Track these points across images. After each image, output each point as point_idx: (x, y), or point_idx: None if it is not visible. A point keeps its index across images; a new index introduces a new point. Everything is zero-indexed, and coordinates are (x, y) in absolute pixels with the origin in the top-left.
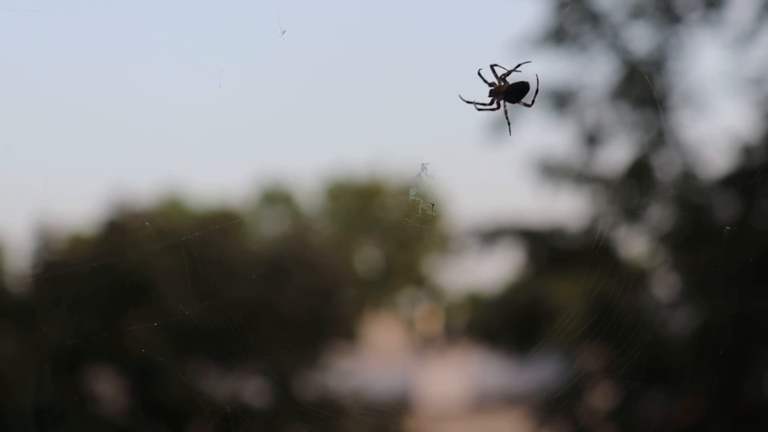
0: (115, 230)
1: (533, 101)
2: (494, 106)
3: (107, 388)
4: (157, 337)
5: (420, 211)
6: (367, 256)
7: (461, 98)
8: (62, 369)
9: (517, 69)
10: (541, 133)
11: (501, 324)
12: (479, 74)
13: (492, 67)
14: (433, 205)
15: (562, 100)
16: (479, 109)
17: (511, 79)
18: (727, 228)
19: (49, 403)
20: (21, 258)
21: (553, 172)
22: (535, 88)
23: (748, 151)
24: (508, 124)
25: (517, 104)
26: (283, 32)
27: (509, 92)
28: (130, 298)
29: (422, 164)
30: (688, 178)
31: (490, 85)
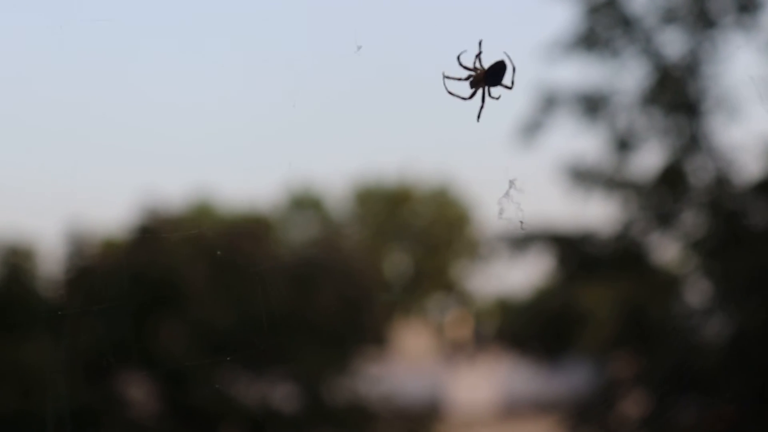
0: (147, 235)
1: (513, 82)
2: (476, 94)
3: (138, 392)
4: (187, 341)
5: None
6: (397, 262)
7: (445, 87)
8: (94, 374)
9: (480, 52)
10: (572, 138)
11: (531, 330)
12: (459, 63)
13: (458, 58)
14: (522, 222)
15: (594, 105)
16: (465, 99)
17: (485, 64)
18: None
19: (80, 408)
20: (53, 263)
21: (584, 177)
22: (512, 67)
23: None
24: (480, 108)
25: (499, 87)
26: (359, 47)
27: (489, 75)
28: (161, 303)
29: (510, 181)
30: (721, 184)
31: (470, 73)
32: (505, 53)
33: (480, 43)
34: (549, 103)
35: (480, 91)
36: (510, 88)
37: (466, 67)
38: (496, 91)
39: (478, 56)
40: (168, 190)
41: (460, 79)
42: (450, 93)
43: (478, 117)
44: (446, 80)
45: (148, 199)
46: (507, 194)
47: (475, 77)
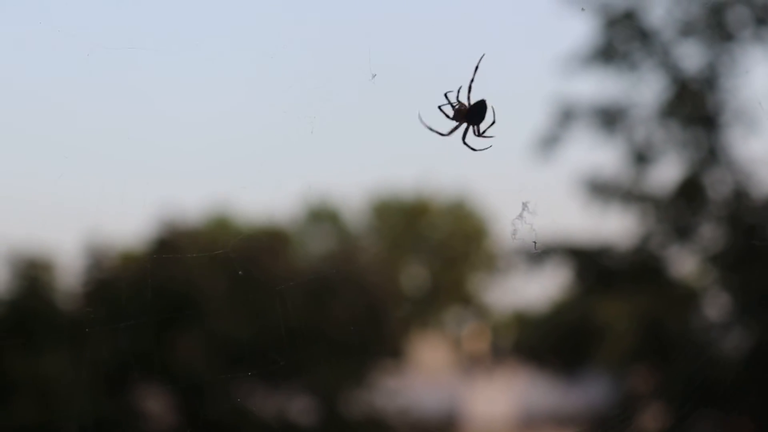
0: (165, 248)
1: (494, 120)
2: (456, 128)
3: (155, 405)
4: (204, 354)
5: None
6: (414, 275)
7: (422, 122)
8: (112, 386)
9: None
10: (589, 151)
11: (548, 343)
12: (446, 97)
13: (445, 95)
14: (536, 243)
15: (611, 119)
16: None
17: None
18: None
19: (99, 421)
20: (72, 275)
21: (601, 190)
22: (491, 108)
23: None
24: (465, 143)
25: (482, 125)
26: (374, 76)
27: (471, 114)
28: (178, 315)
29: (523, 203)
30: (740, 197)
31: (454, 107)
32: (486, 101)
33: (475, 70)
34: (566, 116)
35: (461, 127)
36: (493, 123)
37: (450, 102)
38: (485, 125)
39: (469, 86)
40: (186, 203)
41: (447, 116)
42: (429, 128)
43: (465, 141)
44: (424, 120)
45: (165, 212)
46: (520, 216)
47: (456, 112)
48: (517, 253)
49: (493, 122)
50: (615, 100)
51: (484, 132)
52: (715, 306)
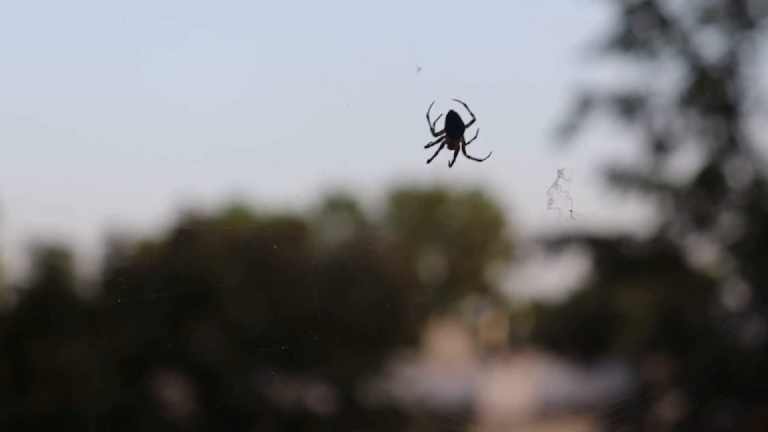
0: (183, 237)
1: (473, 118)
2: (455, 151)
3: (174, 392)
4: (222, 342)
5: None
6: (431, 264)
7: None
8: (130, 374)
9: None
10: (608, 139)
11: (567, 332)
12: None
13: (431, 130)
14: (572, 211)
15: (630, 107)
16: (450, 164)
17: (441, 121)
18: None
19: (118, 408)
20: (91, 264)
21: (620, 179)
22: (462, 104)
23: None
24: (452, 161)
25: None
26: (419, 69)
27: (450, 131)
28: (196, 304)
29: (558, 170)
30: (759, 186)
31: (437, 135)
32: (455, 101)
33: (428, 116)
34: (585, 104)
35: (457, 149)
36: (473, 120)
37: (435, 134)
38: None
39: (434, 123)
40: (203, 192)
41: (437, 150)
42: (428, 161)
43: (450, 163)
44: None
45: (184, 200)
46: (556, 184)
47: (446, 142)
48: (537, 239)
49: (473, 120)
50: (634, 89)
51: (469, 142)
52: (734, 295)
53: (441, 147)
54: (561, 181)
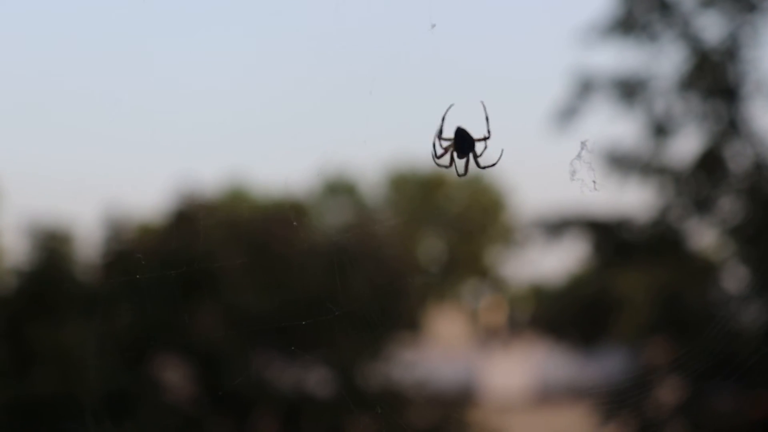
0: (182, 220)
1: (488, 131)
2: (451, 162)
3: (174, 376)
4: (222, 326)
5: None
6: (431, 247)
7: (435, 162)
8: (130, 357)
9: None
10: (608, 123)
11: (566, 316)
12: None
13: (438, 138)
14: (595, 182)
15: (630, 90)
16: (461, 175)
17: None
18: None
19: (117, 391)
20: (90, 247)
21: (620, 162)
22: (485, 117)
23: None
24: (463, 173)
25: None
26: (433, 26)
27: (458, 147)
28: (196, 287)
29: (582, 142)
30: (760, 170)
31: (444, 148)
32: (481, 102)
33: (442, 120)
34: (585, 88)
35: (464, 159)
36: (488, 137)
37: (443, 146)
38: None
39: (440, 137)
40: (203, 176)
41: (446, 164)
42: (438, 165)
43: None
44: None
45: (183, 184)
46: (579, 156)
47: (447, 152)
48: (537, 223)
49: (487, 137)
50: (634, 72)
51: (481, 154)
52: (734, 279)
53: (452, 160)
54: (584, 152)
